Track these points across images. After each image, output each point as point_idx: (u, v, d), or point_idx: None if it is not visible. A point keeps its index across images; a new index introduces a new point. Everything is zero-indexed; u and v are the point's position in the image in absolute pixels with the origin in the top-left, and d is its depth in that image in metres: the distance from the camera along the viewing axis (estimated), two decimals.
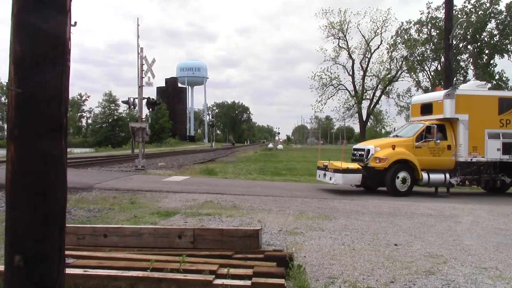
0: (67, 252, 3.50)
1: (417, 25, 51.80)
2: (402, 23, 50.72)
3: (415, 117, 13.98)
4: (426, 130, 12.19)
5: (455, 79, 45.85)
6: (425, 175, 11.81)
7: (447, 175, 11.96)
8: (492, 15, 49.00)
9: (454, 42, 39.77)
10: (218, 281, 3.44)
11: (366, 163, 12.03)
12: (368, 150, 12.21)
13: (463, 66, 52.27)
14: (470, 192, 13.93)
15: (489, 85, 13.78)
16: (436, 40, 50.05)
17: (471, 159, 12.19)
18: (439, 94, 13.04)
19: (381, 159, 11.74)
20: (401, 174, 11.71)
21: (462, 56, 52.13)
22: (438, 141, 12.01)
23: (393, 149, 11.95)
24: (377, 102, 47.13)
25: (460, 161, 12.16)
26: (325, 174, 12.34)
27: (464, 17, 45.18)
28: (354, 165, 12.03)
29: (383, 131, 68.35)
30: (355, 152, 13.00)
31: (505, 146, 12.32)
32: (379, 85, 45.69)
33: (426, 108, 13.35)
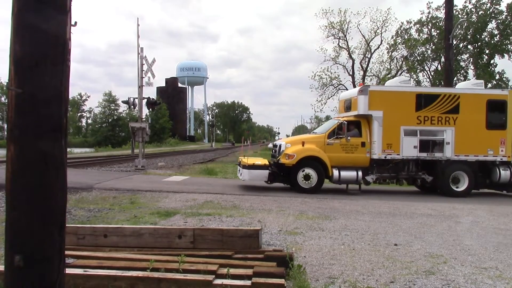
0: (67, 252, 3.50)
1: (417, 25, 51.79)
2: (402, 23, 50.65)
3: (340, 114, 13.92)
4: (339, 127, 11.96)
5: (455, 79, 45.82)
6: (336, 172, 11.67)
7: (360, 173, 11.76)
8: (493, 15, 49.00)
9: (454, 42, 39.70)
10: (218, 281, 3.44)
11: (278, 159, 11.92)
12: (280, 146, 12.15)
13: (463, 66, 52.24)
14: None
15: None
16: (436, 40, 49.97)
17: (385, 157, 11.88)
18: (355, 90, 12.88)
19: (290, 156, 11.62)
20: (306, 171, 11.57)
21: (462, 56, 52.04)
22: (349, 138, 11.79)
23: (303, 145, 11.83)
24: None
25: (374, 158, 11.90)
26: (239, 170, 12.41)
27: (465, 17, 45.15)
28: (262, 161, 12.07)
29: None
30: (273, 148, 12.97)
31: (422, 144, 11.93)
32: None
33: (348, 105, 13.26)
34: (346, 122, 11.93)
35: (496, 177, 12.11)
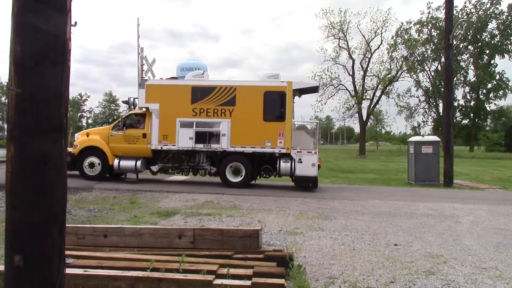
0: (67, 252, 3.50)
1: (418, 25, 51.82)
2: (402, 23, 50.77)
3: None
4: (124, 119, 12.73)
5: (455, 79, 45.82)
6: (116, 162, 12.41)
7: (138, 162, 12.34)
8: (493, 15, 49.01)
9: (454, 42, 39.68)
10: (218, 281, 3.45)
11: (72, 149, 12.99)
12: (75, 137, 13.33)
13: (463, 66, 52.30)
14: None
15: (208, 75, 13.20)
16: (436, 40, 50.00)
17: (161, 147, 12.25)
18: None
19: (75, 146, 12.74)
20: (90, 159, 12.54)
21: (462, 56, 52.12)
22: (124, 129, 12.51)
23: (87, 136, 12.88)
24: (377, 102, 47.08)
25: (152, 149, 12.33)
26: None
27: (465, 17, 45.15)
28: None
29: (383, 131, 68.29)
30: None
31: (198, 135, 12.12)
32: (379, 85, 45.58)
33: None
34: (122, 115, 12.73)
35: (278, 169, 12.11)
